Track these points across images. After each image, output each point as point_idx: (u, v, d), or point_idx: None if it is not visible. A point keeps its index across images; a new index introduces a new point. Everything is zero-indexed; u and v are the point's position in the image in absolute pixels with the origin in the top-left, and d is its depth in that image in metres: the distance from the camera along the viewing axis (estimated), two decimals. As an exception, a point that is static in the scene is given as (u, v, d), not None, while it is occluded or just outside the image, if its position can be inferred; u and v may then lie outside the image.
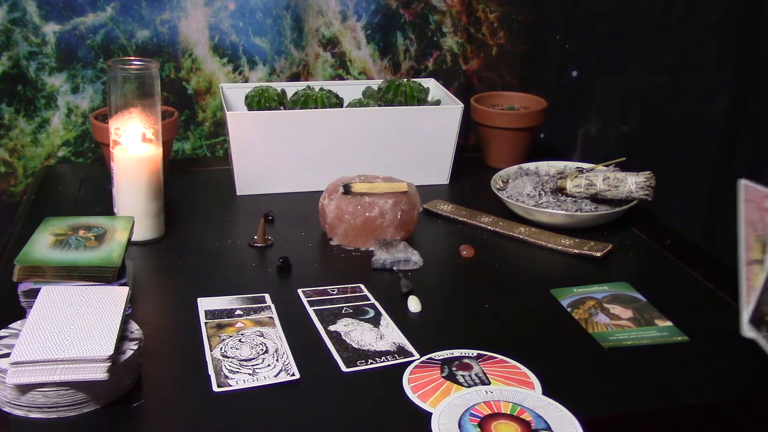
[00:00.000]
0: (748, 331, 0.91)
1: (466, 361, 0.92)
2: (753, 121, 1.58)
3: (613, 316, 1.04)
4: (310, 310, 1.04)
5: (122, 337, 0.86)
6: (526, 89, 1.69)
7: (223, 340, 0.95)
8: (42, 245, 1.00)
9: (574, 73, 1.78)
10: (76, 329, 0.84)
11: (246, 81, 1.61)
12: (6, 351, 0.82)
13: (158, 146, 1.20)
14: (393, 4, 1.66)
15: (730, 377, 0.93)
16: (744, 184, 0.83)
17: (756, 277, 0.84)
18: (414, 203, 1.24)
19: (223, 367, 0.90)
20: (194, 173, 1.53)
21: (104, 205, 1.24)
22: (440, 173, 1.49)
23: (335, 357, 0.94)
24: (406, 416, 0.84)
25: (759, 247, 0.80)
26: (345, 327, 1.00)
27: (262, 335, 0.97)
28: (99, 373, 0.80)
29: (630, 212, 1.30)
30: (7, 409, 0.82)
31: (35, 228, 1.05)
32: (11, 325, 0.88)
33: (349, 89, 1.53)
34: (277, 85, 1.48)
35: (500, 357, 0.93)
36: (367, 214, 1.20)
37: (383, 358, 0.94)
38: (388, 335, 0.98)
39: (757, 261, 0.80)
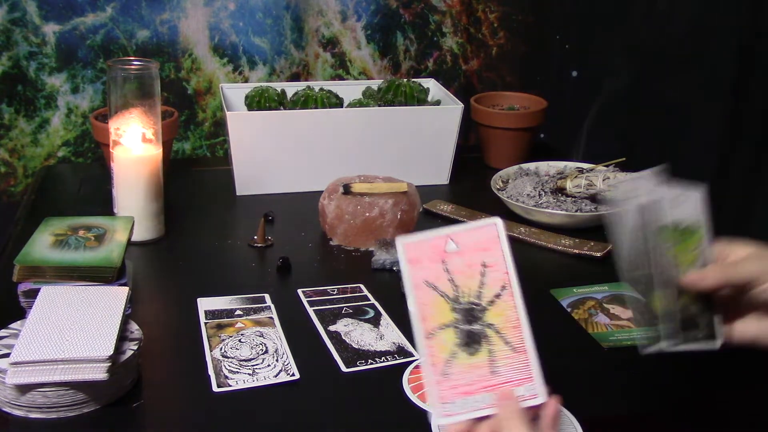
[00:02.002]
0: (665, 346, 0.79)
1: (465, 361, 0.92)
2: (753, 121, 1.58)
3: (613, 316, 1.04)
4: (310, 310, 1.04)
5: (122, 337, 0.86)
6: (526, 89, 1.69)
7: (223, 340, 0.95)
8: (42, 245, 1.00)
9: (574, 73, 1.78)
10: (76, 329, 0.84)
11: (246, 81, 1.61)
12: (6, 351, 0.82)
13: (158, 146, 1.20)
14: (393, 4, 1.66)
15: (730, 377, 0.93)
16: (404, 244, 0.69)
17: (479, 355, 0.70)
18: (414, 203, 1.24)
19: (223, 367, 0.90)
20: (194, 173, 1.52)
21: (104, 205, 1.24)
22: (440, 173, 1.49)
23: (335, 357, 0.93)
24: (406, 416, 0.84)
25: (447, 307, 0.69)
26: (345, 327, 1.00)
27: (262, 335, 0.97)
28: (99, 373, 0.80)
29: (630, 212, 1.30)
30: (7, 409, 0.82)
31: (35, 228, 1.05)
32: (11, 325, 0.88)
33: (349, 89, 1.53)
34: (277, 85, 1.48)
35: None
36: (367, 214, 1.20)
37: (383, 358, 0.94)
38: (388, 335, 0.98)
39: (448, 324, 0.69)
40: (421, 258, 0.69)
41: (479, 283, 0.69)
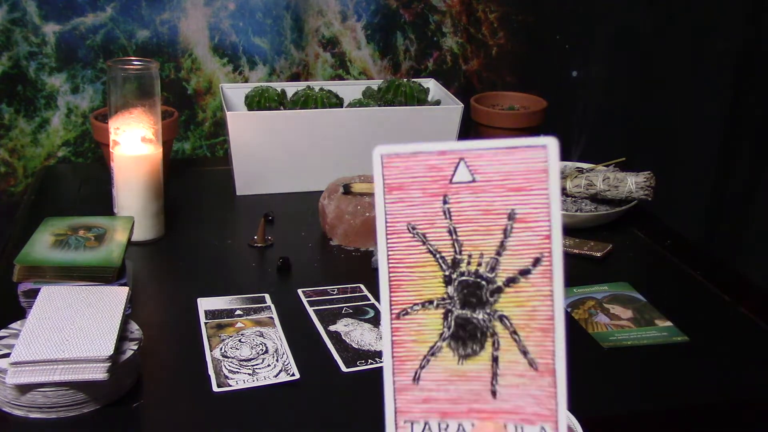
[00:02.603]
0: None
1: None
2: (753, 121, 1.58)
3: (613, 316, 1.04)
4: (310, 310, 1.04)
5: (122, 337, 0.86)
6: (526, 89, 1.69)
7: (223, 340, 0.95)
8: (42, 245, 1.00)
9: (574, 73, 1.78)
10: (76, 329, 0.84)
11: (246, 81, 1.61)
12: (6, 351, 0.82)
13: (158, 146, 1.20)
14: (393, 4, 1.66)
15: (730, 377, 0.93)
16: (382, 155, 0.44)
17: None
18: (414, 203, 1.24)
19: (223, 367, 0.90)
20: (194, 173, 1.52)
21: (104, 205, 1.24)
22: (440, 173, 1.49)
23: (335, 357, 0.93)
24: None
25: (438, 274, 0.45)
26: (345, 327, 1.00)
27: (262, 335, 0.97)
28: (99, 373, 0.80)
29: (630, 212, 1.30)
30: (7, 409, 0.82)
31: (35, 228, 1.05)
32: (11, 325, 0.88)
33: (349, 89, 1.53)
34: (277, 85, 1.48)
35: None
36: (367, 214, 1.20)
37: (383, 358, 0.93)
38: (388, 335, 0.98)
39: (434, 303, 0.47)
40: (408, 185, 0.44)
41: (499, 244, 0.44)
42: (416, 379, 0.45)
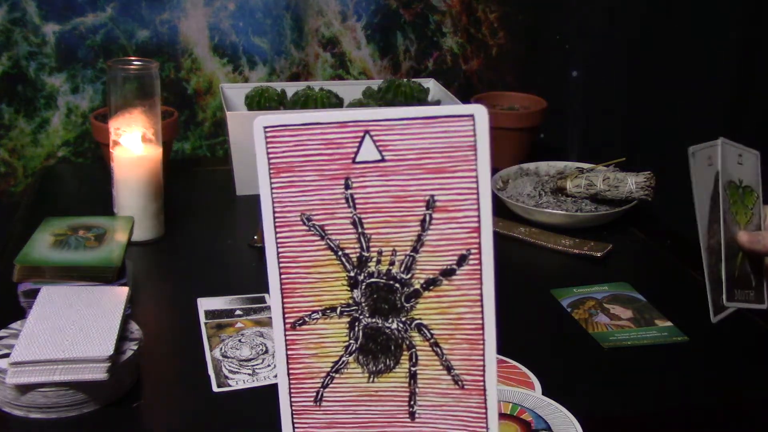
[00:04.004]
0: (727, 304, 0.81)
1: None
2: (753, 120, 1.58)
3: (613, 316, 1.04)
4: (310, 310, 1.04)
5: (122, 337, 0.86)
6: (526, 89, 1.69)
7: (223, 340, 0.95)
8: (42, 245, 1.00)
9: (574, 73, 1.78)
10: (76, 329, 0.84)
11: (246, 81, 1.61)
12: (6, 351, 0.82)
13: (158, 146, 1.20)
14: (393, 4, 1.66)
15: (730, 377, 0.93)
16: (264, 127, 0.41)
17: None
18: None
19: (223, 367, 0.90)
20: (194, 173, 1.52)
21: (104, 205, 1.24)
22: (440, 173, 1.49)
23: (335, 357, 0.93)
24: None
25: (341, 275, 0.37)
26: (345, 327, 1.00)
27: (262, 335, 0.97)
28: (99, 373, 0.80)
29: (630, 212, 1.30)
30: (7, 409, 0.82)
31: (35, 228, 1.05)
32: (11, 325, 0.88)
33: (349, 89, 1.53)
34: (277, 85, 1.48)
35: (500, 357, 0.93)
36: (367, 214, 1.20)
37: (383, 358, 0.93)
38: (388, 335, 0.98)
39: (336, 310, 0.38)
40: (301, 166, 0.35)
41: (415, 238, 0.36)
42: (318, 399, 0.38)
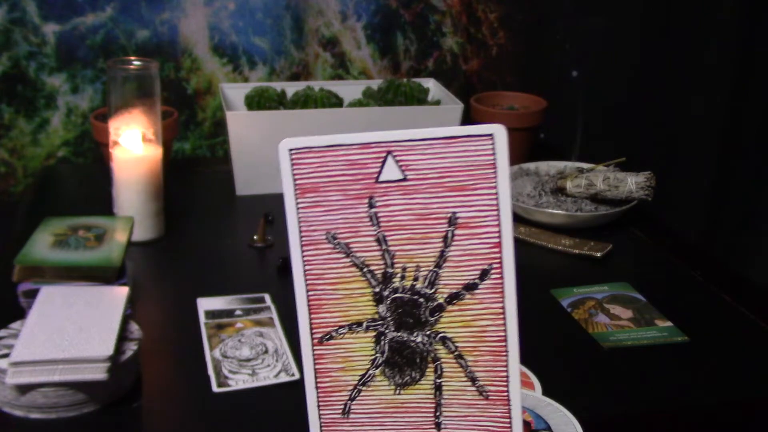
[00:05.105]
0: None
1: (466, 361, 0.92)
2: (753, 121, 1.58)
3: (613, 316, 1.04)
4: (310, 310, 1.04)
5: (122, 337, 0.86)
6: (526, 89, 1.69)
7: (223, 340, 0.95)
8: (42, 245, 1.00)
9: (574, 73, 1.78)
10: (76, 329, 0.84)
11: (246, 81, 1.61)
12: (6, 351, 0.82)
13: (158, 146, 1.20)
14: (393, 4, 1.66)
15: (730, 377, 0.93)
16: (289, 150, 0.42)
17: None
18: (414, 203, 1.24)
19: (223, 367, 0.90)
20: (194, 173, 1.52)
21: (104, 205, 1.24)
22: (440, 173, 1.49)
23: (335, 357, 0.93)
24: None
25: (366, 291, 0.39)
26: (345, 327, 1.00)
27: (262, 335, 0.97)
28: (99, 373, 0.80)
29: (630, 212, 1.30)
30: (7, 409, 0.82)
31: (35, 228, 1.05)
32: (11, 325, 0.88)
33: (349, 89, 1.53)
34: (277, 85, 1.48)
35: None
36: (367, 214, 1.20)
37: (383, 358, 0.93)
38: (388, 335, 0.98)
39: (363, 325, 0.40)
40: (325, 186, 0.36)
41: (438, 254, 0.37)
42: (346, 412, 0.38)
